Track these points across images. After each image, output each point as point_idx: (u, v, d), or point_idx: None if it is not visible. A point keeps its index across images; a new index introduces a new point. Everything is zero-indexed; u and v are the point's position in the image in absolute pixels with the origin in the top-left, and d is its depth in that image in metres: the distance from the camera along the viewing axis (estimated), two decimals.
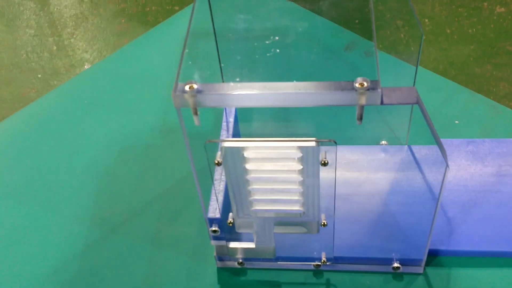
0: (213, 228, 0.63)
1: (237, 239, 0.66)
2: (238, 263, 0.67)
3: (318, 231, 0.62)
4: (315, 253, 0.65)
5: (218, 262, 0.68)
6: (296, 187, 0.56)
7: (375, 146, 0.75)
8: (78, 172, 0.78)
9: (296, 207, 0.59)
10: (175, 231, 0.71)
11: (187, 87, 0.49)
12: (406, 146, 0.75)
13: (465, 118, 0.79)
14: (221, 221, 0.62)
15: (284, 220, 0.61)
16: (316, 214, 0.59)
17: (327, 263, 0.65)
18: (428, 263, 0.66)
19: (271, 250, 0.65)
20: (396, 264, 0.65)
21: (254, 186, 0.57)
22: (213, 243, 0.65)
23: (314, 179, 0.56)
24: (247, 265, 0.67)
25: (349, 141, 0.76)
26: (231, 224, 0.61)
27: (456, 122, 0.78)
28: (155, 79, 0.89)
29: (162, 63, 0.92)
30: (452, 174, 0.72)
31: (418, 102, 0.48)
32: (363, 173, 0.73)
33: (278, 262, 0.67)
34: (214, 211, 0.63)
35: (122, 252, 0.70)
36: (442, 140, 0.74)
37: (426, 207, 0.66)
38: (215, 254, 0.67)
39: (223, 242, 0.65)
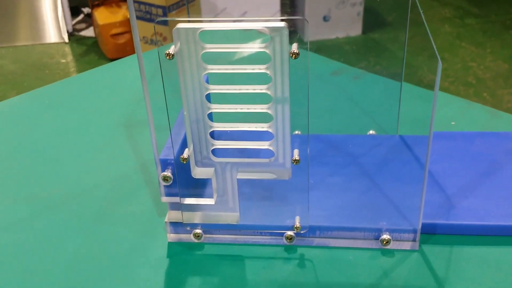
0: (165, 173, 0.52)
1: (194, 195, 0.55)
2: (195, 236, 0.55)
3: (290, 175, 0.51)
4: (287, 221, 0.54)
5: (170, 235, 0.56)
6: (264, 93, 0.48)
7: (363, 136, 0.67)
8: (24, 156, 0.69)
9: (265, 143, 0.50)
10: (123, 210, 0.60)
11: None
12: (397, 135, 0.66)
13: (461, 121, 0.71)
14: (174, 167, 0.52)
15: (249, 164, 0.52)
16: (286, 147, 0.50)
17: (302, 232, 0.53)
18: (424, 241, 0.54)
19: (234, 215, 0.54)
20: (385, 236, 0.53)
21: (213, 106, 0.48)
22: (164, 199, 0.54)
23: (284, 84, 0.47)
24: (205, 239, 0.55)
25: (336, 131, 0.67)
26: (185, 161, 0.51)
27: (453, 123, 0.70)
28: (126, 92, 0.83)
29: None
30: (451, 155, 0.62)
31: None
32: (348, 157, 0.63)
33: (242, 231, 0.55)
34: (168, 151, 0.53)
35: (56, 228, 0.58)
36: (438, 132, 0.66)
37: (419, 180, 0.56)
38: (166, 220, 0.55)
39: (176, 199, 0.54)
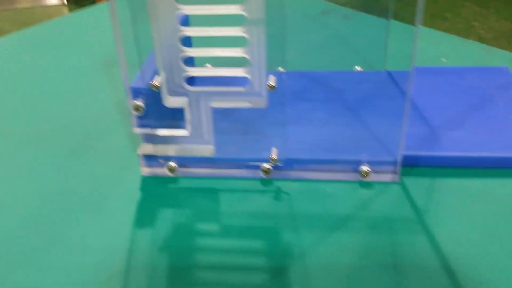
0: (136, 102, 0.50)
1: (167, 126, 0.53)
2: (169, 169, 0.53)
3: (265, 104, 0.49)
4: (263, 153, 0.52)
5: (144, 168, 0.54)
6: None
7: (349, 72, 0.64)
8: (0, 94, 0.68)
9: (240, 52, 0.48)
10: (98, 145, 0.58)
11: None
12: (384, 71, 0.64)
13: (454, 57, 0.68)
14: (147, 96, 0.50)
15: (224, 93, 0.49)
16: (262, 72, 0.48)
17: (278, 164, 0.52)
18: (406, 174, 0.52)
19: (209, 148, 0.52)
20: (364, 167, 0.51)
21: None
22: (137, 130, 0.52)
23: (258, 3, 0.45)
24: (179, 172, 0.54)
25: (322, 68, 0.65)
26: (156, 89, 0.49)
27: (444, 60, 0.68)
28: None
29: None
30: (439, 89, 0.60)
31: None
32: (332, 93, 0.61)
33: (217, 164, 0.53)
34: (140, 79, 0.51)
35: (31, 162, 0.56)
36: (427, 67, 0.63)
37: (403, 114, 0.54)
38: (139, 152, 0.53)
39: (148, 130, 0.52)
